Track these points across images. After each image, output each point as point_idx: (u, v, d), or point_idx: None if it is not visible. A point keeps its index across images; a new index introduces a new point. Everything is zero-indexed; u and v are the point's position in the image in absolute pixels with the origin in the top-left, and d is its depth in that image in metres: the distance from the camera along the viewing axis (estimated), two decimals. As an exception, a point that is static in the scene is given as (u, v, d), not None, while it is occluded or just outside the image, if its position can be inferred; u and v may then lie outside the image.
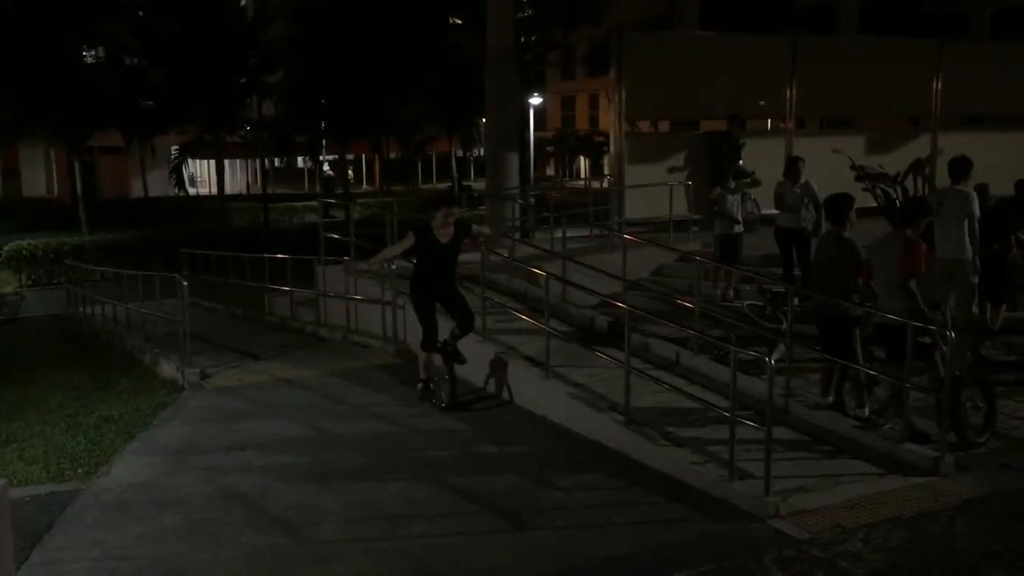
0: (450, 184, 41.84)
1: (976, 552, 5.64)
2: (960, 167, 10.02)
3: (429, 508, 6.61)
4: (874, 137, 17.20)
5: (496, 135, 16.11)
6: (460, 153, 45.81)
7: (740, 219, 12.55)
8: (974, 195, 9.97)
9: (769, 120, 18.55)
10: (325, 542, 6.08)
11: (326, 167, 43.35)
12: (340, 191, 37.88)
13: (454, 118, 38.49)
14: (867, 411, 7.95)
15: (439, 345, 9.04)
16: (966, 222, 9.81)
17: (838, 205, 8.14)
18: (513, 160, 16.20)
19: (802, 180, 11.66)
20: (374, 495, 6.86)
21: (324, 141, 41.30)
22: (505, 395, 9.24)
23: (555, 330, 9.41)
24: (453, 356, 9.04)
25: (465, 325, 9.05)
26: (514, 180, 16.33)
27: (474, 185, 42.40)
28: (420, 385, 9.19)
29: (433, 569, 5.66)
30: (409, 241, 8.80)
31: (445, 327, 9.26)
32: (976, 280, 9.91)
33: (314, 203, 31.81)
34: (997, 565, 5.43)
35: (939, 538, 5.86)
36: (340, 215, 27.83)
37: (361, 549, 5.97)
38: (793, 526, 6.01)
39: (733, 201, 12.49)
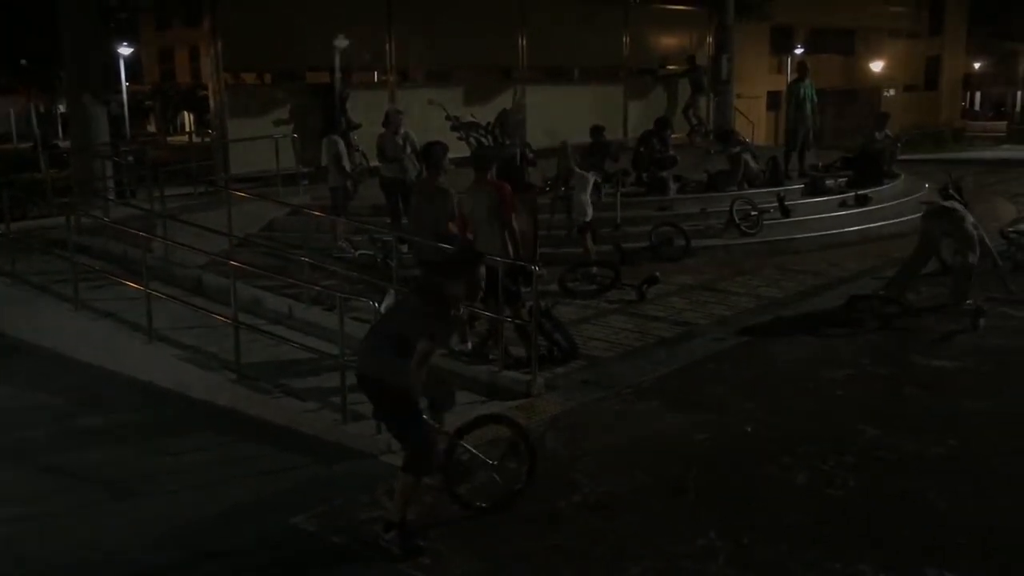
0: (32, 144, 37.43)
1: (565, 457, 6.31)
2: None
3: (19, 490, 6.04)
4: (470, 89, 18.16)
5: (78, 87, 14.77)
6: (41, 108, 41.26)
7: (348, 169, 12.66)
8: None
9: (376, 73, 18.82)
10: None
11: None
12: None
13: (31, 68, 34.53)
14: (470, 345, 8.50)
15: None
16: None
17: (432, 153, 8.52)
18: (101, 114, 14.98)
19: (402, 131, 12.02)
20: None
21: None
22: (106, 364, 8.61)
23: (158, 292, 8.96)
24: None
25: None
26: (103, 136, 15.11)
27: (62, 144, 38.53)
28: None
29: (26, 551, 5.21)
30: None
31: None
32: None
33: None
34: (578, 467, 6.13)
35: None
36: None
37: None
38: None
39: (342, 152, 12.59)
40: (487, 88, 18.58)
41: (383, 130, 12.17)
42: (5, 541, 5.33)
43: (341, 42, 14.46)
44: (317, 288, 9.19)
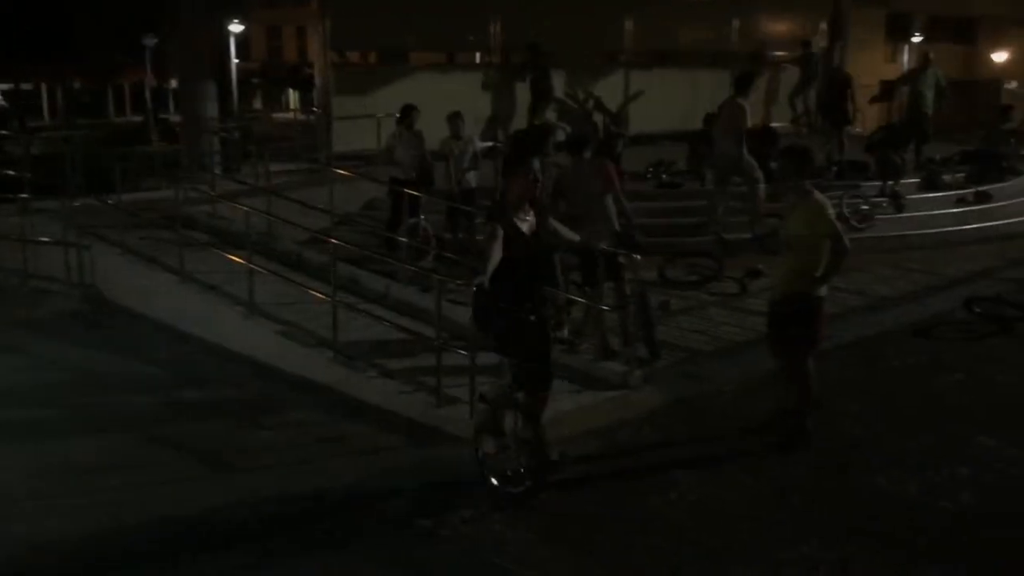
0: (142, 118, 38.64)
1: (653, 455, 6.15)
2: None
3: (126, 460, 6.19)
4: (576, 72, 17.85)
5: (189, 63, 15.11)
6: (155, 83, 42.44)
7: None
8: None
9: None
10: (4, 503, 5.53)
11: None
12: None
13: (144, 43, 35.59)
14: (566, 332, 8.34)
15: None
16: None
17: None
18: (210, 90, 15.30)
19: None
20: (64, 450, 6.32)
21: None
22: (207, 336, 8.76)
23: (260, 267, 9.08)
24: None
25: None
26: (212, 111, 15.42)
27: (172, 118, 39.71)
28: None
29: (133, 521, 5.32)
30: (498, 233, 5.43)
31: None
32: None
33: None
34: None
35: (629, 444, 6.34)
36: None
37: (48, 507, 5.49)
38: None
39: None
40: (593, 71, 18.20)
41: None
42: (114, 511, 5.43)
43: None
44: (413, 268, 9.21)
